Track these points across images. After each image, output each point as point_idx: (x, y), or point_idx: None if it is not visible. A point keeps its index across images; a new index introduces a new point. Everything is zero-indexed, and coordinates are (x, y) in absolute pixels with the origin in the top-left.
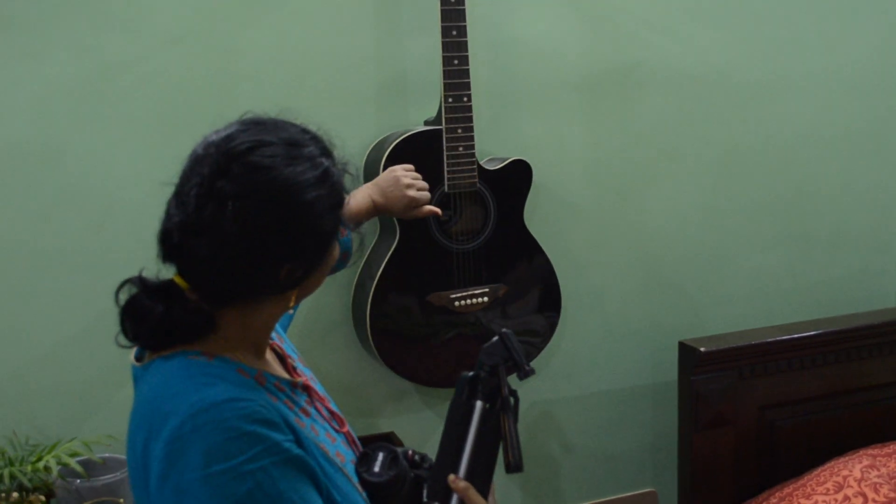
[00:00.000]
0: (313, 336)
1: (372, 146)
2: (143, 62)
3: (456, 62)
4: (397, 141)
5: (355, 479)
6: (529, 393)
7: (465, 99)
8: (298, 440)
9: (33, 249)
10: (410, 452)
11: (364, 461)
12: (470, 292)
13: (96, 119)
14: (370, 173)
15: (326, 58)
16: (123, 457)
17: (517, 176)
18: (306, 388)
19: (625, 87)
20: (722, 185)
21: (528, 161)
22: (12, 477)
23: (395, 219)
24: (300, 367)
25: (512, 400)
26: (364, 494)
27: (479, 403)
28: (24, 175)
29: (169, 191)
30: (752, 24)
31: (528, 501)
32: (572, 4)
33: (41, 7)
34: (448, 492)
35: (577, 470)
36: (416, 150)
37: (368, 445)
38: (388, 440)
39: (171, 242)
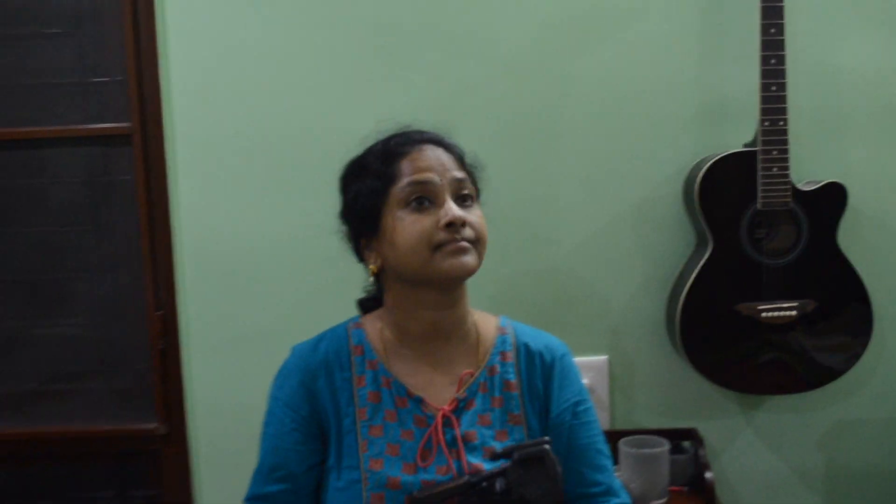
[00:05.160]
0: (632, 336)
1: (691, 167)
2: (489, 86)
3: (773, 88)
4: (714, 160)
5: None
6: (837, 411)
7: (782, 123)
8: (334, 399)
9: None
10: None
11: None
12: (778, 305)
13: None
14: (688, 192)
15: (651, 84)
16: None
17: (832, 198)
18: (446, 416)
19: None
20: None
21: (846, 185)
22: None
23: (708, 232)
24: (478, 404)
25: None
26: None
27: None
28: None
29: None
30: None
31: None
32: None
33: (406, 39)
34: None
35: (882, 494)
36: (732, 169)
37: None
38: (690, 436)
39: None
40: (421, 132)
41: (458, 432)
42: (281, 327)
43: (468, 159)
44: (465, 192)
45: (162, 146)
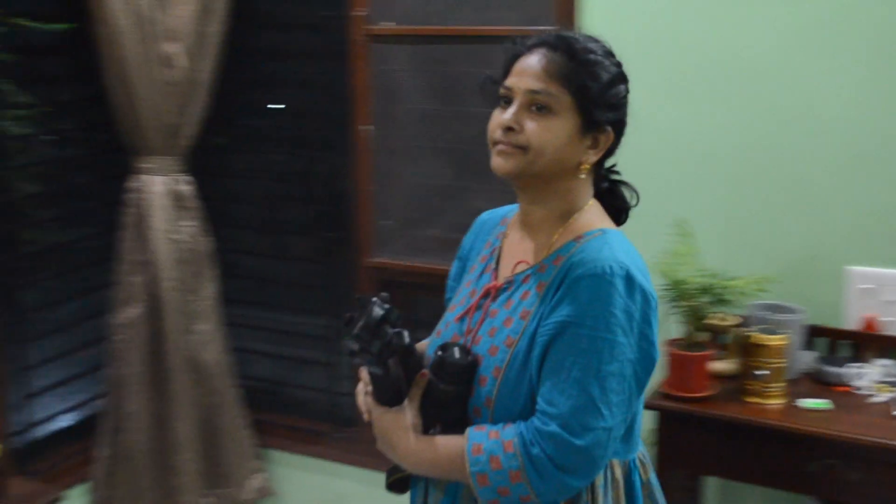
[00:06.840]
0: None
1: None
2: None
3: None
4: None
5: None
6: None
7: None
8: (470, 252)
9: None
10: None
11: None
12: None
13: (821, 53)
14: None
15: None
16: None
17: None
18: (489, 290)
19: None
20: None
21: None
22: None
23: None
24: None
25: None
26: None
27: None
28: (755, 88)
29: None
30: None
31: None
32: None
33: None
34: None
35: None
36: None
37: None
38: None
39: None
40: (543, 35)
41: (486, 306)
42: None
43: (581, 70)
44: (537, 104)
45: None
